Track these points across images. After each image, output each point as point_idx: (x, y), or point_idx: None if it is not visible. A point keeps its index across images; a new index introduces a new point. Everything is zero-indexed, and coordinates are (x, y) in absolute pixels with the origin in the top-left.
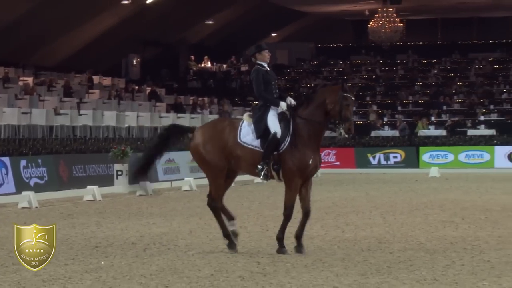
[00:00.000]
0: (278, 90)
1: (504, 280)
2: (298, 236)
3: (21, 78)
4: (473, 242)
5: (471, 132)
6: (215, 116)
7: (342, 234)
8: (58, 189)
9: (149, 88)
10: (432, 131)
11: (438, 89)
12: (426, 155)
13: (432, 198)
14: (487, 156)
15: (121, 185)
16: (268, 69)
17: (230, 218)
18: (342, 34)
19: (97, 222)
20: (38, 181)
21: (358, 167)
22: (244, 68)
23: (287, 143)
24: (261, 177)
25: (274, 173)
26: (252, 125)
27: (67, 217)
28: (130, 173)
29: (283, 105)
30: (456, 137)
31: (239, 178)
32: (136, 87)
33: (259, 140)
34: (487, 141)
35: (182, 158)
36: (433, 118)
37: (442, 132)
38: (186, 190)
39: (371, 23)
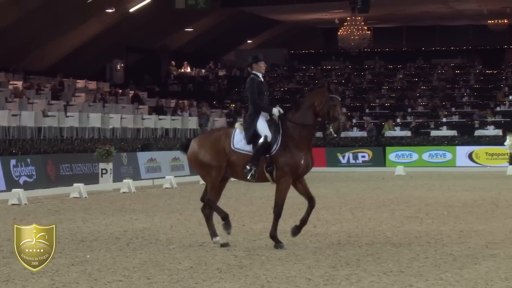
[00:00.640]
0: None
1: (465, 272)
2: (303, 221)
3: (11, 82)
4: (436, 236)
5: (434, 133)
6: (195, 118)
7: (314, 229)
8: (46, 187)
9: (132, 92)
10: (398, 132)
11: (403, 92)
12: (392, 155)
13: (398, 195)
14: (449, 156)
15: (105, 183)
16: (262, 80)
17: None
18: (313, 41)
19: (83, 218)
20: (27, 179)
21: (329, 165)
22: (221, 73)
23: (279, 145)
24: (248, 177)
25: (268, 175)
26: (243, 132)
27: (55, 213)
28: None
29: (275, 111)
30: (420, 138)
31: None
32: (120, 91)
33: (251, 145)
34: (449, 142)
35: (164, 157)
36: (398, 120)
37: (407, 133)
38: (167, 188)
39: (340, 30)
